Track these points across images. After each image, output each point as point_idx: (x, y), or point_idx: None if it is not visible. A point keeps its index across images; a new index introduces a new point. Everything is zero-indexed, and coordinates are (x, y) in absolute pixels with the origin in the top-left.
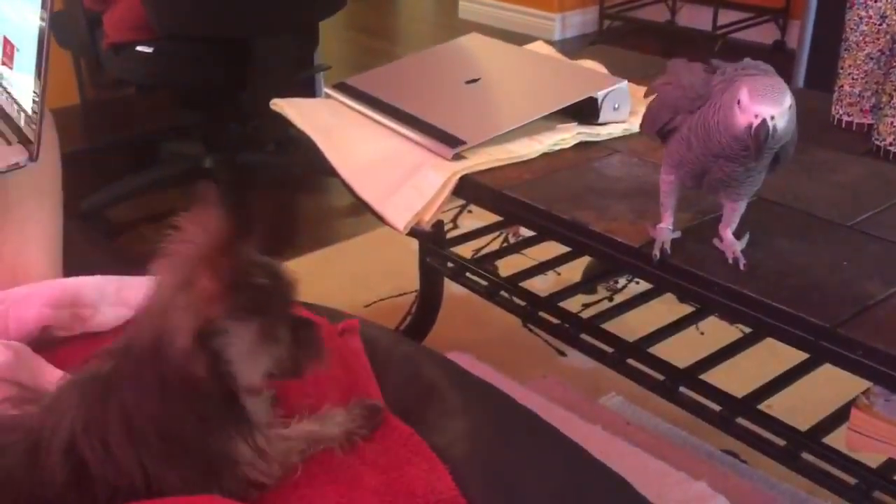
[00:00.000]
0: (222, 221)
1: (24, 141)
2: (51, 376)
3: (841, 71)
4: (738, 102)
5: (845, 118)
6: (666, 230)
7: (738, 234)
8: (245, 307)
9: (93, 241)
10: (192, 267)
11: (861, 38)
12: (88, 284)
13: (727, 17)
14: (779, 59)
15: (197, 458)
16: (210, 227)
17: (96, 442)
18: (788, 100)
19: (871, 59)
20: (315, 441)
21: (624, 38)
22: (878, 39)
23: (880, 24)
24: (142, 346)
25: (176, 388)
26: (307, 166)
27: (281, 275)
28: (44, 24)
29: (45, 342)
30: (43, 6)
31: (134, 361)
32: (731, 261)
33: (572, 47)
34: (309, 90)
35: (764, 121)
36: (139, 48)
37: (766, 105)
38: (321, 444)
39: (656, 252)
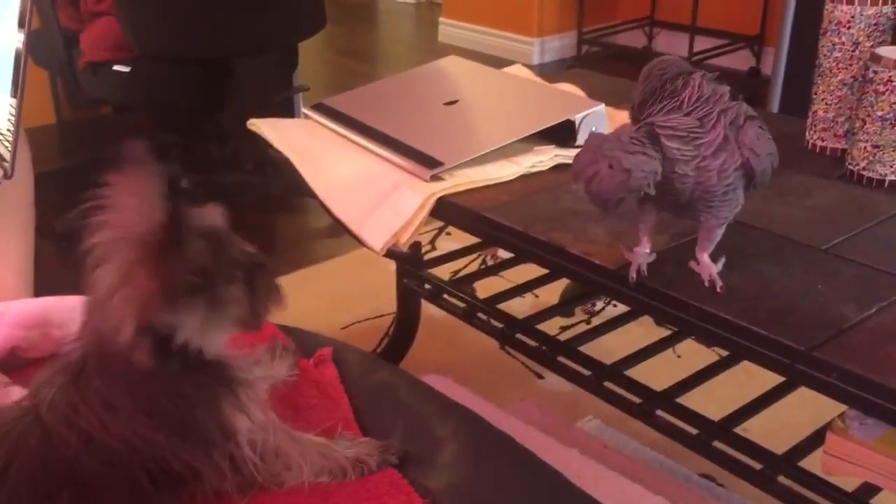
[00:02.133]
0: (164, 228)
1: None
2: (15, 397)
3: (815, 97)
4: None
5: (819, 143)
6: (642, 253)
7: (714, 257)
8: (187, 291)
9: (66, 261)
10: (129, 260)
11: (834, 65)
12: (60, 305)
13: (703, 43)
14: (754, 85)
15: (188, 424)
16: (143, 200)
17: (91, 418)
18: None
19: (845, 85)
20: (324, 456)
21: (602, 63)
22: (850, 66)
23: (853, 51)
24: (94, 338)
25: (142, 374)
26: (285, 187)
27: (221, 239)
28: (20, 43)
29: (13, 363)
30: (20, 25)
31: (96, 349)
32: (707, 283)
33: (551, 71)
34: (288, 111)
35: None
36: (116, 67)
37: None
38: (332, 469)
39: (633, 274)
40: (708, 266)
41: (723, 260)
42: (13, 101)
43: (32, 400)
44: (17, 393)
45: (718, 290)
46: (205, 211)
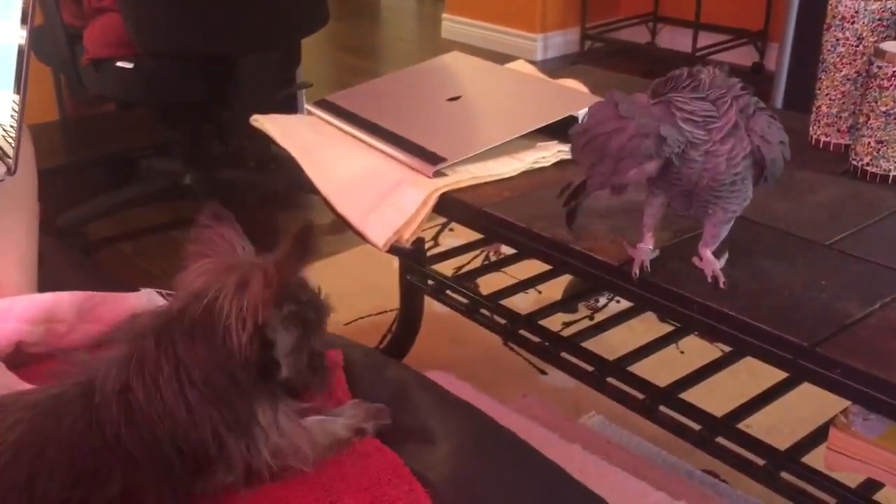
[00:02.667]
0: (292, 242)
1: (1, 155)
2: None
3: (818, 92)
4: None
5: (823, 139)
6: (646, 249)
7: (717, 253)
8: (290, 317)
9: (69, 258)
10: (248, 270)
11: (838, 60)
12: (64, 300)
13: (706, 39)
14: (757, 81)
15: (231, 408)
16: (232, 243)
17: (149, 380)
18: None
19: (848, 80)
20: (327, 435)
21: (605, 59)
22: (854, 61)
23: (857, 46)
24: (194, 317)
25: (222, 353)
26: (288, 184)
27: (320, 300)
28: (23, 40)
29: (19, 358)
30: (23, 21)
31: (186, 325)
32: (710, 279)
33: (554, 67)
34: (291, 108)
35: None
36: (119, 64)
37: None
38: (332, 445)
39: (636, 271)
40: (711, 262)
41: (725, 256)
42: (16, 98)
43: (80, 375)
44: (24, 390)
45: (721, 286)
46: (313, 284)
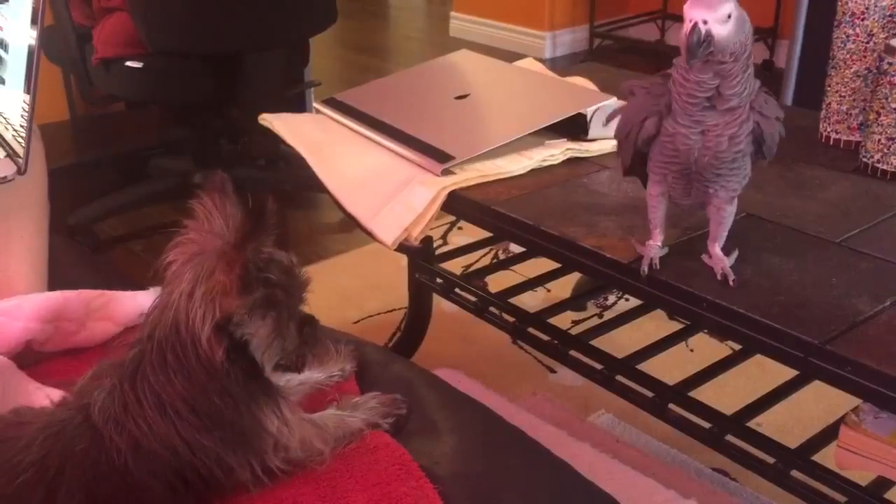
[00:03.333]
0: (239, 216)
1: (12, 154)
2: (33, 392)
3: (828, 89)
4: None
5: (833, 135)
6: (654, 246)
7: (726, 251)
8: (260, 302)
9: (80, 256)
10: (209, 260)
11: (848, 56)
12: (74, 299)
13: None
14: (767, 77)
15: (230, 427)
16: (226, 219)
17: (139, 420)
18: (727, 6)
19: (859, 76)
20: (340, 428)
21: (614, 57)
22: (864, 57)
23: (867, 42)
24: (163, 333)
25: (199, 370)
26: (297, 182)
27: (294, 272)
28: (33, 40)
29: (28, 357)
30: (33, 22)
31: (157, 347)
32: (719, 276)
33: (562, 65)
34: (299, 106)
35: (695, 24)
36: (129, 63)
37: (697, 9)
38: (346, 436)
39: (644, 268)
40: (720, 259)
41: (735, 253)
42: (27, 98)
43: (81, 400)
44: (34, 388)
45: (731, 283)
46: (284, 252)
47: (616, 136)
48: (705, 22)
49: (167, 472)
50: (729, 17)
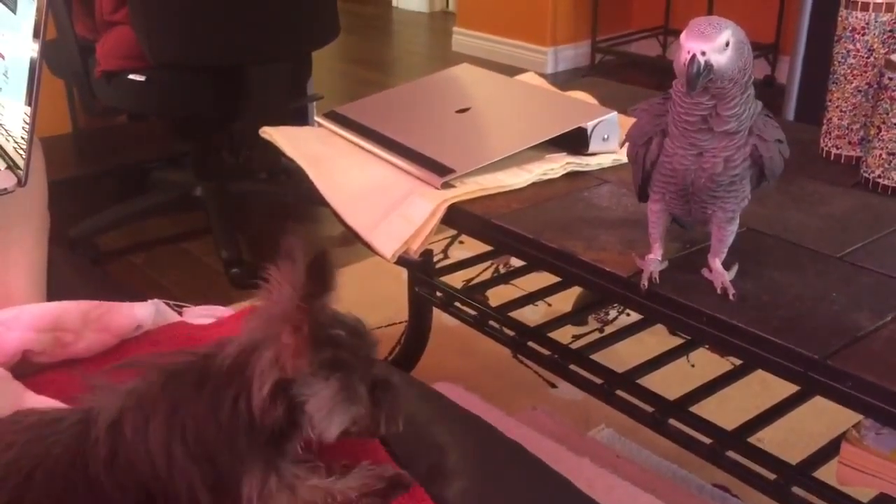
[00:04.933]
0: (308, 276)
1: (12, 166)
2: (30, 403)
3: (829, 104)
4: (680, 46)
5: (834, 151)
6: (654, 260)
7: (727, 265)
8: (325, 363)
9: (80, 268)
10: (276, 325)
11: (849, 71)
12: (71, 309)
13: None
14: (769, 93)
15: (220, 470)
16: (294, 283)
17: (140, 419)
18: (724, 35)
19: (859, 91)
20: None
21: (616, 72)
22: (865, 72)
23: (868, 57)
24: (216, 366)
25: (228, 413)
26: (298, 195)
27: (362, 333)
28: (35, 53)
29: (25, 368)
30: (35, 35)
31: (203, 372)
32: (719, 290)
33: (564, 81)
34: (301, 120)
35: (693, 55)
36: (131, 76)
37: (695, 41)
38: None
39: (644, 282)
40: (720, 273)
41: (735, 267)
42: (27, 110)
43: (86, 403)
44: (31, 399)
45: (731, 297)
46: (350, 314)
47: (628, 159)
48: (703, 53)
49: (138, 489)
50: (727, 45)
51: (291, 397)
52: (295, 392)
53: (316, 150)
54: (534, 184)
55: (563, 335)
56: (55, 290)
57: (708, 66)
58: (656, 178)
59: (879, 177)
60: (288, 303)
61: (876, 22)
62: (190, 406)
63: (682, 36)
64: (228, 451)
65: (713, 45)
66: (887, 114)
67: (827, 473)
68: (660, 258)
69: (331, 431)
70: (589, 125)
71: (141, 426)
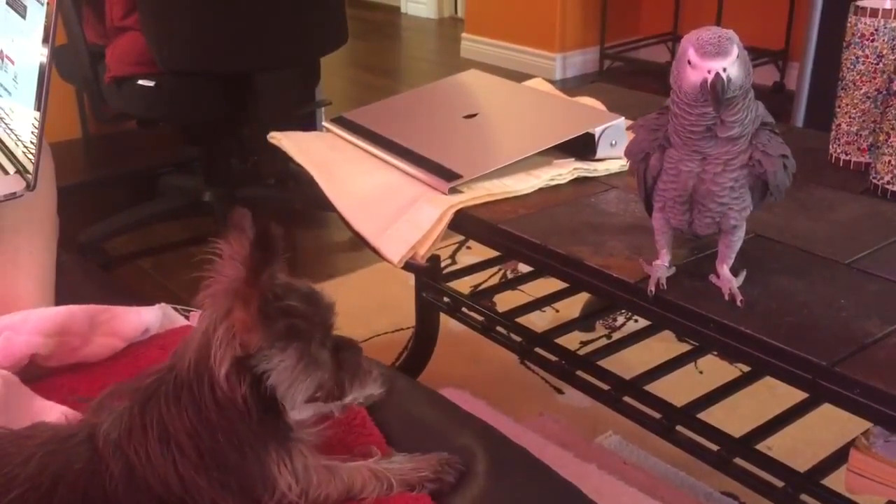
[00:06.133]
0: (253, 249)
1: (22, 171)
2: (38, 407)
3: (838, 110)
4: (689, 62)
5: (843, 157)
6: (662, 266)
7: (735, 271)
8: (281, 334)
9: (89, 273)
10: (225, 300)
11: (858, 78)
12: (78, 313)
13: None
14: (778, 100)
15: (231, 471)
16: (243, 256)
17: (139, 447)
18: (735, 48)
19: (868, 97)
20: (369, 484)
21: (624, 79)
22: (874, 78)
23: (877, 64)
24: (182, 370)
25: (212, 408)
26: (307, 201)
27: (317, 298)
28: (44, 58)
29: (33, 372)
30: (44, 40)
31: (175, 380)
32: (727, 297)
33: (573, 87)
34: (309, 125)
35: (717, 75)
36: (141, 82)
37: (716, 59)
38: (375, 491)
39: (651, 288)
40: (728, 280)
41: (743, 273)
42: (37, 115)
43: (90, 419)
44: (39, 403)
45: (739, 304)
46: (303, 280)
47: (630, 174)
48: (724, 69)
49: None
50: (737, 56)
51: (254, 372)
52: (256, 366)
53: (324, 155)
54: (541, 189)
55: (571, 341)
56: (64, 294)
57: (729, 81)
58: (659, 188)
59: (888, 183)
60: (236, 278)
61: (885, 28)
62: (176, 422)
63: (694, 54)
64: (233, 447)
65: (731, 59)
66: None
67: (835, 481)
68: (667, 264)
69: (297, 400)
70: (597, 131)
71: (142, 452)
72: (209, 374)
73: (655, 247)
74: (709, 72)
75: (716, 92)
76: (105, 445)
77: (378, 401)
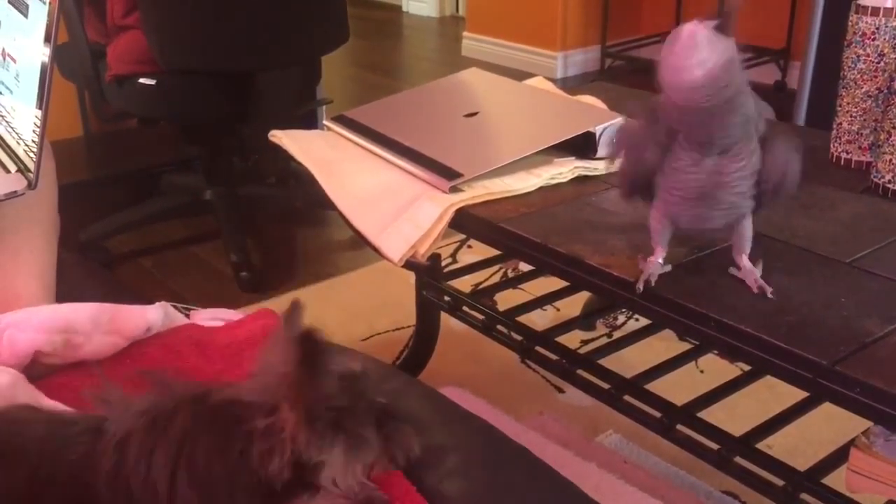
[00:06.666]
0: (295, 364)
1: (23, 169)
2: (45, 405)
3: (839, 109)
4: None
5: (844, 156)
6: (656, 263)
7: (752, 260)
8: (327, 428)
9: (90, 272)
10: (274, 391)
11: (859, 77)
12: (82, 311)
13: None
14: (779, 98)
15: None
16: (291, 351)
17: (147, 443)
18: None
19: (869, 96)
20: None
21: (626, 77)
22: (875, 77)
23: (878, 63)
24: (230, 411)
25: (237, 462)
26: (308, 200)
27: (356, 378)
28: (46, 57)
29: (35, 370)
30: (46, 39)
31: (215, 410)
32: (755, 290)
33: (574, 85)
34: (310, 123)
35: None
36: (142, 81)
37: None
38: None
39: (640, 285)
40: (751, 271)
41: (760, 264)
42: (38, 113)
43: (101, 412)
44: (47, 404)
45: (769, 295)
46: (343, 355)
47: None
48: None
49: None
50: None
51: (298, 461)
52: (303, 457)
53: (324, 154)
54: (542, 188)
55: (572, 340)
56: (65, 293)
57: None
58: (663, 186)
59: (889, 182)
60: (284, 377)
61: (886, 27)
62: (200, 439)
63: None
64: (228, 496)
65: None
66: None
67: (836, 480)
68: (661, 261)
69: (353, 485)
70: (597, 129)
71: (147, 450)
72: (251, 441)
73: (651, 243)
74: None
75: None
76: (107, 440)
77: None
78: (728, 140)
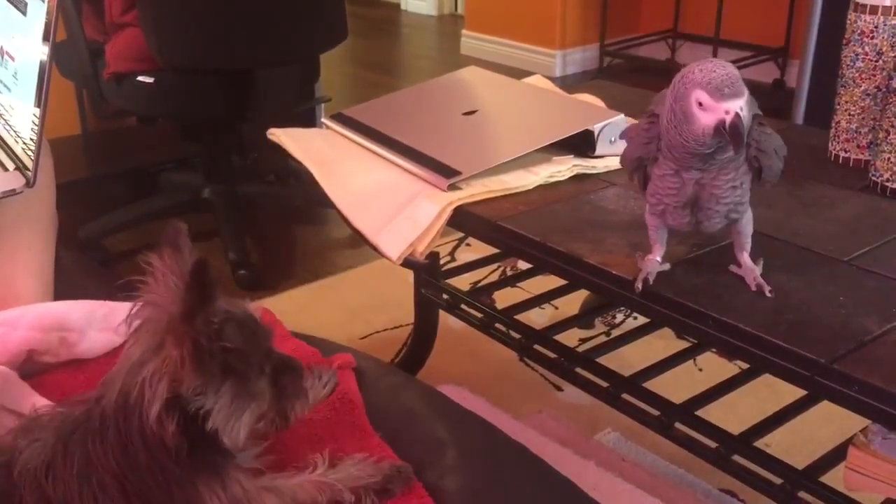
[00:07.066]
0: (189, 289)
1: (21, 167)
2: (37, 403)
3: (838, 107)
4: (700, 104)
5: (842, 154)
6: (654, 261)
7: (753, 258)
8: (216, 371)
9: (88, 270)
10: (159, 330)
11: (857, 75)
12: (76, 309)
13: (727, 55)
14: (778, 97)
15: None
16: (177, 279)
17: (58, 483)
18: (744, 85)
19: (868, 95)
20: (321, 492)
21: (624, 76)
22: (874, 76)
23: (876, 61)
24: (109, 405)
25: (140, 448)
26: (306, 198)
27: (253, 325)
28: (44, 55)
29: (30, 368)
30: (45, 37)
31: (101, 415)
32: (753, 287)
33: (573, 84)
34: (309, 122)
35: (737, 115)
36: (140, 78)
37: (734, 100)
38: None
39: (639, 284)
40: (751, 268)
41: (761, 262)
42: (37, 111)
43: (13, 442)
44: (35, 400)
45: (768, 293)
46: (241, 301)
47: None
48: (741, 108)
49: None
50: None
51: (186, 411)
52: (189, 406)
53: (323, 152)
54: (540, 186)
55: (570, 338)
56: (63, 291)
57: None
58: (658, 195)
59: (888, 180)
60: (170, 312)
61: (885, 25)
62: (101, 461)
63: (706, 97)
64: (160, 488)
65: (745, 97)
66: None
67: (834, 478)
68: (659, 259)
69: (239, 437)
70: (596, 128)
71: (59, 489)
72: (138, 413)
73: (649, 241)
74: (726, 113)
75: (738, 134)
76: (21, 475)
77: (373, 396)
78: (714, 165)
